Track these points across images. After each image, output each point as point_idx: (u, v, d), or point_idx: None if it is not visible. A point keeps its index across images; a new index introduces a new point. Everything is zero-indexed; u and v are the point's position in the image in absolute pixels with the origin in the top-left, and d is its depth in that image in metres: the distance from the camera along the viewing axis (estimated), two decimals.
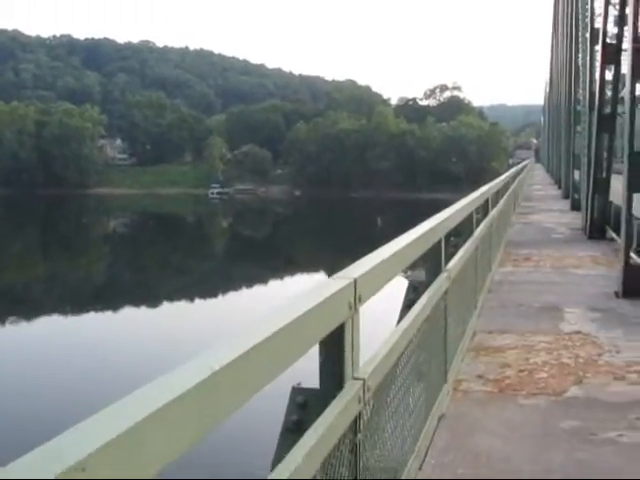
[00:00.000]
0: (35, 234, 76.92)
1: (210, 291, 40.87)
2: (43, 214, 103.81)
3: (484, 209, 10.27)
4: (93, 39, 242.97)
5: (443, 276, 5.27)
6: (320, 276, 44.55)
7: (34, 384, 20.73)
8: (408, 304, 5.11)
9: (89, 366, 22.23)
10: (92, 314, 34.34)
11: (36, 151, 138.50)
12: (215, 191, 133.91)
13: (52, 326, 30.36)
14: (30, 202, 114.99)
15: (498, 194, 14.00)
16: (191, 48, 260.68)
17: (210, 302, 37.78)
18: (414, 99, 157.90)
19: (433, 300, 4.78)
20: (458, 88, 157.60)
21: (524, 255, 14.63)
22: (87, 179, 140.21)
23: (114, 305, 35.92)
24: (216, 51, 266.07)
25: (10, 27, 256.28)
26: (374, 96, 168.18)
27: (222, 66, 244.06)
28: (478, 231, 8.39)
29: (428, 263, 5.25)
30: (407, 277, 6.25)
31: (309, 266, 50.85)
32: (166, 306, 35.96)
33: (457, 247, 7.07)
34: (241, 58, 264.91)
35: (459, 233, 7.67)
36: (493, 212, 11.31)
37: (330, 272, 3.21)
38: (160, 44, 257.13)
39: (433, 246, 4.99)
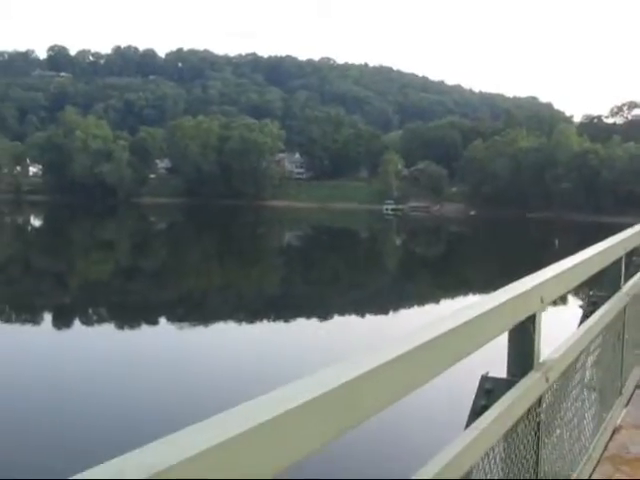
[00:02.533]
0: (213, 243, 79.47)
1: (381, 307, 40.33)
2: (221, 224, 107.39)
3: None
4: (276, 57, 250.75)
5: (622, 292, 5.32)
6: None
7: (208, 385, 20.88)
8: (586, 315, 5.01)
9: (259, 370, 22.20)
10: (265, 322, 34.66)
11: (218, 164, 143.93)
12: (389, 207, 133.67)
13: (226, 333, 30.79)
14: (210, 212, 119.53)
15: None
16: (370, 65, 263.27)
17: (380, 318, 37.21)
18: (599, 117, 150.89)
19: (611, 313, 4.90)
20: None
21: None
22: (264, 192, 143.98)
23: (286, 315, 36.12)
24: (395, 67, 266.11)
25: (201, 47, 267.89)
26: (556, 113, 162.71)
27: (401, 82, 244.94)
28: None
29: (605, 281, 5.29)
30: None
31: (482, 286, 49.25)
32: (337, 319, 35.73)
33: None
34: (420, 75, 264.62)
35: None
36: None
37: None
38: (340, 61, 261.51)
39: (612, 264, 5.07)
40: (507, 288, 2.92)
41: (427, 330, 2.11)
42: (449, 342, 2.19)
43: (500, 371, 2.96)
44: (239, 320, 34.80)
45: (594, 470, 4.31)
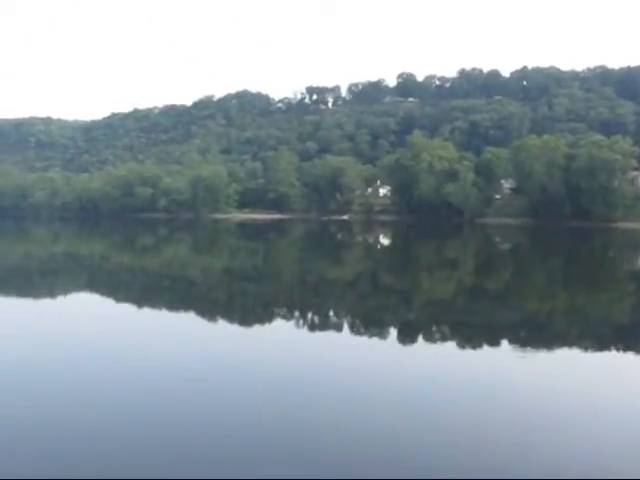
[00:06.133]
0: (559, 265, 77.15)
1: None
2: (568, 246, 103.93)
3: None
4: (628, 67, 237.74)
5: None
6: None
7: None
8: None
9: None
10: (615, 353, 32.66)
11: (564, 183, 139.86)
12: None
13: (577, 359, 29.45)
14: (555, 233, 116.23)
15: None
16: None
17: None
18: None
19: None
20: None
21: None
22: (614, 212, 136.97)
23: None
24: None
25: (547, 64, 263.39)
26: None
27: None
28: None
29: None
30: None
31: None
32: None
33: None
34: None
35: None
36: None
37: None
38: None
39: None
40: None
41: None
42: None
43: None
44: (585, 347, 33.18)
45: None
